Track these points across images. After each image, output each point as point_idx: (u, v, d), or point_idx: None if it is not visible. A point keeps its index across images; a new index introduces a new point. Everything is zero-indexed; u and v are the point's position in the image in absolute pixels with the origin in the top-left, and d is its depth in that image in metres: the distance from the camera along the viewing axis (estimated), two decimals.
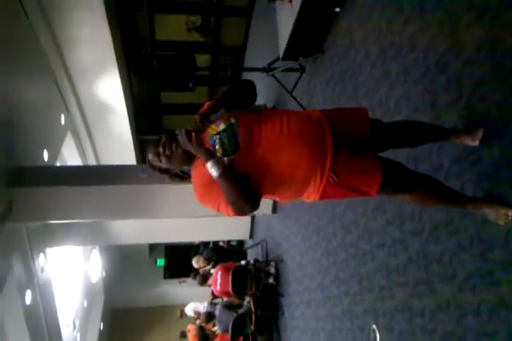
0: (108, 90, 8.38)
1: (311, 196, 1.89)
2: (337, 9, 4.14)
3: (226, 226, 8.27)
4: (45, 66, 7.00)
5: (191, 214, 5.98)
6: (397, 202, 3.01)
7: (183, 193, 6.26)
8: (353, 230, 3.78)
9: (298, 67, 5.06)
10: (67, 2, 6.45)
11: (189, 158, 1.87)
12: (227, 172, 1.70)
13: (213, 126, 1.84)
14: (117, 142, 9.66)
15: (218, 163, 1.71)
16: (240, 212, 1.76)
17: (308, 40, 4.57)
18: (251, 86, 2.07)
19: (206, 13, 9.10)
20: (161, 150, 1.86)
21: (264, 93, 6.71)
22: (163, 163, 1.90)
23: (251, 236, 8.86)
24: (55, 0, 6.35)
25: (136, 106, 9.80)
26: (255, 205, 1.76)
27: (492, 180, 2.09)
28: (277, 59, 5.12)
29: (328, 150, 1.80)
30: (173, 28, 9.35)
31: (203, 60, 9.54)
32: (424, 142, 2.32)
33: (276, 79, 5.23)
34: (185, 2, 8.92)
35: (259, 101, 3.12)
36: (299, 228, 5.55)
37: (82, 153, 9.39)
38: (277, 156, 1.77)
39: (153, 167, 1.97)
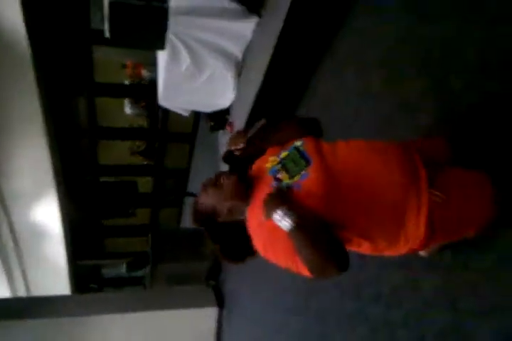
0: (44, 216, 8.10)
1: (411, 234, 1.40)
2: None
3: None
4: None
5: None
6: None
7: (124, 324, 5.93)
8: None
9: None
10: (6, 128, 6.49)
11: (243, 191, 1.53)
12: (304, 220, 1.31)
13: (272, 158, 1.57)
14: (51, 269, 9.10)
15: (291, 209, 1.32)
16: (321, 274, 1.33)
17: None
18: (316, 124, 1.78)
19: (151, 139, 9.44)
20: (211, 180, 1.57)
21: None
22: (210, 198, 1.54)
23: None
24: None
25: (75, 230, 9.48)
26: (344, 266, 1.30)
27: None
28: None
29: (418, 164, 1.45)
30: (117, 152, 9.54)
31: (146, 182, 9.65)
32: None
33: None
34: (130, 129, 9.25)
35: None
36: None
37: (11, 282, 8.72)
38: (361, 166, 1.43)
39: (196, 215, 1.59)
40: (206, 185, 1.56)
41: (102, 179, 9.53)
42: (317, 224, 1.33)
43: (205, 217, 1.57)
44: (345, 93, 3.22)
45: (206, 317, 6.18)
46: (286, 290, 4.03)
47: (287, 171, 1.46)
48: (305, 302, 3.63)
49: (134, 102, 8.75)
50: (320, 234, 1.31)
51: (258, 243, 1.45)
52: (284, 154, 1.53)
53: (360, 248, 1.47)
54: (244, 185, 1.53)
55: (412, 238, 1.41)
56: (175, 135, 9.54)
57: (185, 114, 5.34)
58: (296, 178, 1.43)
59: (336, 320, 3.08)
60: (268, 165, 1.55)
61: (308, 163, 1.44)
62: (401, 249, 1.46)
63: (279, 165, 1.50)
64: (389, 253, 1.49)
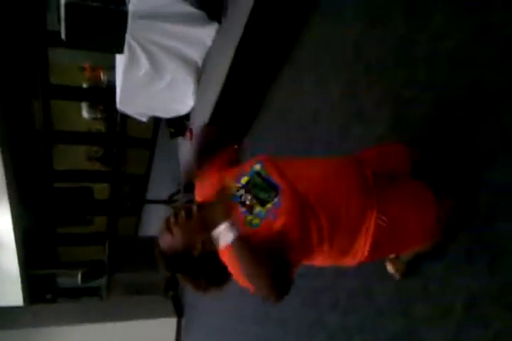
0: None
1: (359, 250, 1.49)
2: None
3: None
4: None
5: None
6: None
7: (81, 335, 5.72)
8: None
9: None
10: None
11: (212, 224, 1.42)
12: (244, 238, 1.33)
13: (232, 184, 1.52)
14: (3, 279, 8.73)
15: (235, 224, 1.35)
16: (260, 293, 1.33)
17: None
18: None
19: (109, 145, 9.22)
20: (172, 219, 1.43)
21: None
22: (177, 237, 1.42)
23: None
24: None
25: (28, 238, 9.14)
26: (283, 293, 1.31)
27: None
28: (179, 191, 5.17)
29: (370, 182, 1.54)
30: (74, 157, 9.28)
31: (102, 189, 9.40)
32: None
33: None
34: (87, 133, 9.01)
35: None
36: None
37: None
38: (323, 186, 1.47)
39: (167, 261, 1.46)
40: (168, 225, 1.44)
41: (57, 185, 9.17)
42: (259, 250, 1.33)
43: (178, 260, 1.46)
44: (304, 100, 3.23)
45: (165, 327, 6.06)
46: (246, 299, 3.98)
47: (257, 198, 1.44)
48: (265, 310, 3.59)
49: (92, 106, 8.55)
50: (261, 258, 1.31)
51: (230, 266, 1.42)
52: (244, 180, 1.50)
53: (315, 261, 1.52)
54: None
55: (358, 252, 1.50)
56: (134, 140, 9.35)
57: (144, 119, 5.23)
58: (268, 205, 1.42)
59: (297, 328, 3.06)
60: (229, 191, 1.51)
61: (276, 189, 1.44)
62: (349, 262, 1.55)
63: (242, 192, 1.47)
64: (345, 263, 1.57)
